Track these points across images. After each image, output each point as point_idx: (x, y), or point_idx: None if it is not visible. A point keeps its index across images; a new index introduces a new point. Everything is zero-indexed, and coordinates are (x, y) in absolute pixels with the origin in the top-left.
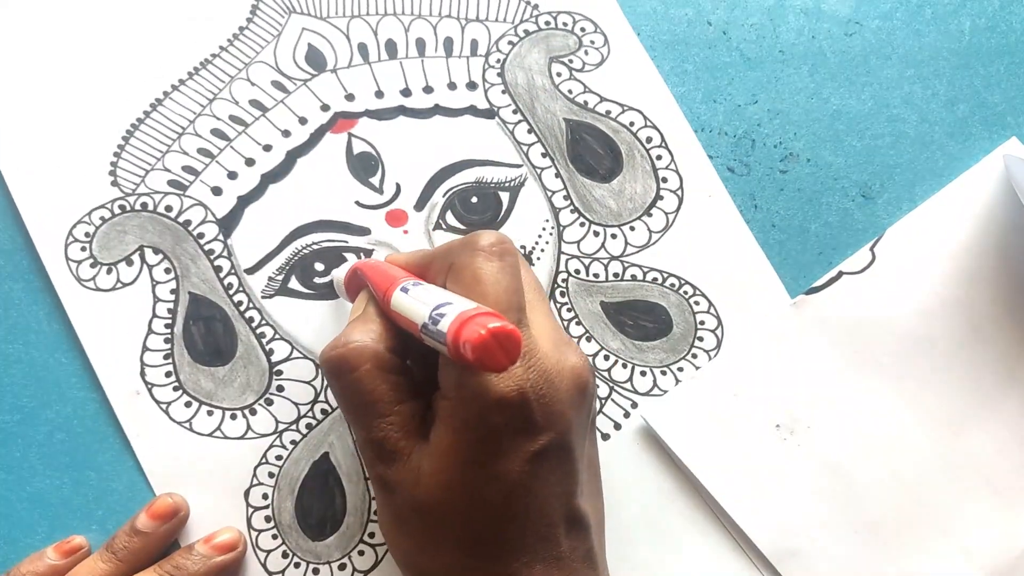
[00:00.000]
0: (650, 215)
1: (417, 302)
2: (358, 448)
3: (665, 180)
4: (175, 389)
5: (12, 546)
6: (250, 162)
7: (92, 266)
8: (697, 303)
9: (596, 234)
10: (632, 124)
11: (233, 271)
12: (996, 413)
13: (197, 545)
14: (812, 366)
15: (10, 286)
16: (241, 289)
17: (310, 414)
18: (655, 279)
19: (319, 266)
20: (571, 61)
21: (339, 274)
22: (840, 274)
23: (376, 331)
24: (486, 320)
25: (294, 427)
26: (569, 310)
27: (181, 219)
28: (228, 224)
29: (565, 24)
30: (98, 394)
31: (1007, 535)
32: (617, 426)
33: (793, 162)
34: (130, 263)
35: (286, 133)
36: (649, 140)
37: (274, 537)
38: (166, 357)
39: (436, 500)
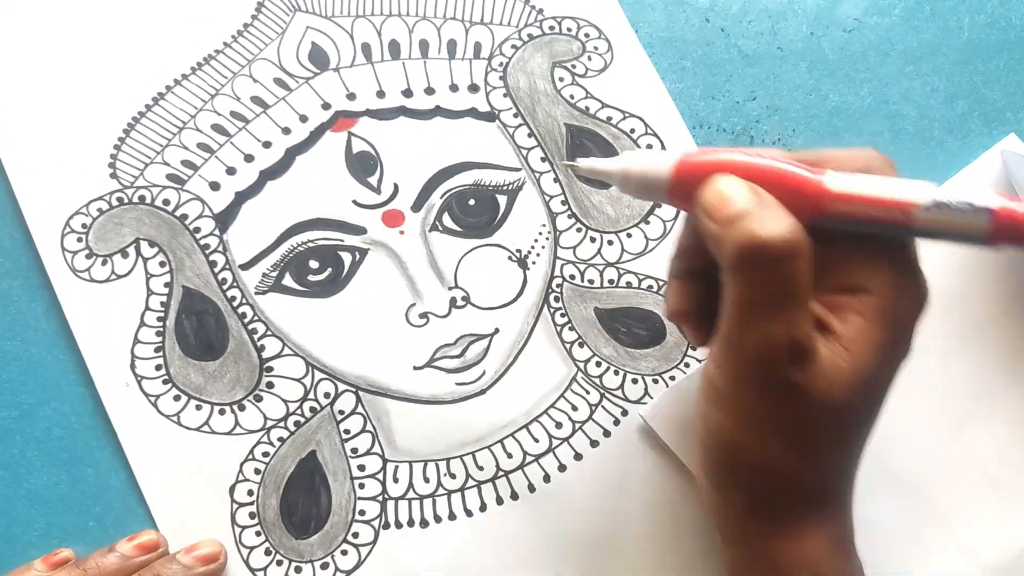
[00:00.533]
0: (647, 222)
1: (895, 184)
2: (755, 351)
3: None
4: (165, 382)
5: (10, 543)
6: (249, 158)
7: (87, 257)
8: None
9: (593, 240)
10: (633, 131)
11: (228, 266)
12: (996, 412)
13: (179, 555)
14: None
15: (8, 283)
16: (235, 284)
17: (299, 411)
18: (650, 287)
19: (313, 264)
20: (574, 66)
21: (638, 162)
22: None
23: (795, 223)
24: None
25: (282, 424)
26: (563, 315)
27: (178, 213)
28: (225, 219)
29: (569, 29)
30: (96, 391)
31: (1007, 533)
32: (607, 433)
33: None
34: (125, 255)
35: (286, 130)
36: (649, 148)
37: (257, 534)
38: (157, 350)
39: (850, 400)
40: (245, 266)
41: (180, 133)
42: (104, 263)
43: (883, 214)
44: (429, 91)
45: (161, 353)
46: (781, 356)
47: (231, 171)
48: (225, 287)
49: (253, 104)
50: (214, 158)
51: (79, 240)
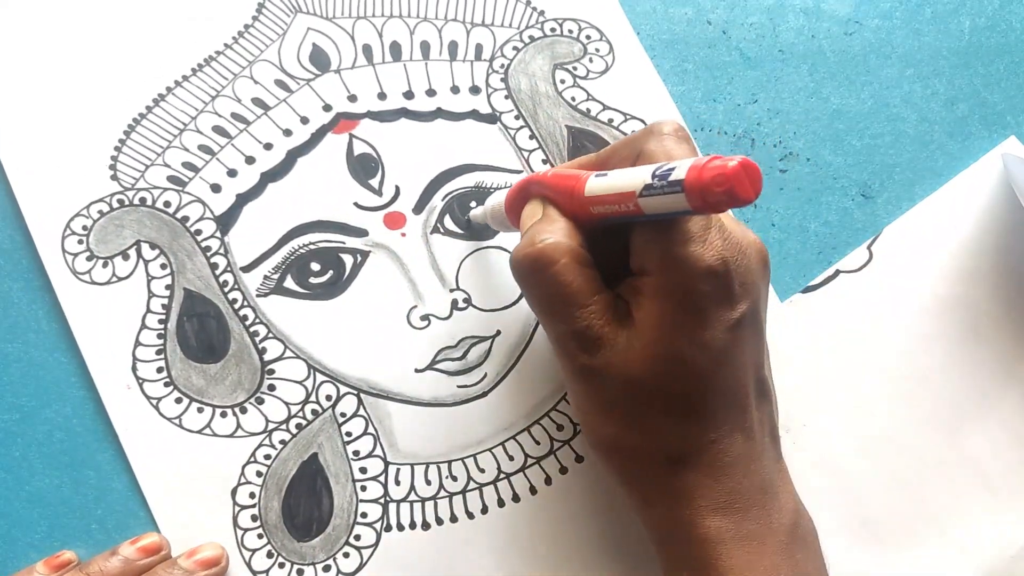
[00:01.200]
0: None
1: (624, 173)
2: (556, 344)
3: None
4: (166, 385)
5: (12, 545)
6: (250, 160)
7: (88, 259)
8: None
9: None
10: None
11: (229, 268)
12: (993, 412)
13: (180, 559)
14: (808, 364)
15: (9, 285)
16: (236, 287)
17: (300, 414)
18: None
19: (315, 266)
20: (575, 68)
21: (495, 199)
22: (837, 272)
23: (564, 229)
24: (726, 160)
25: (284, 427)
26: None
27: (179, 215)
28: (226, 221)
29: (570, 31)
30: (97, 393)
31: (1003, 533)
32: None
33: (793, 161)
34: (126, 257)
35: (287, 132)
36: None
37: (259, 536)
38: (158, 353)
39: (649, 374)
40: (246, 268)
41: (181, 135)
42: (105, 265)
43: (622, 208)
44: (430, 93)
45: (162, 356)
46: (572, 347)
47: (232, 173)
48: (226, 289)
49: (254, 106)
50: (215, 160)
51: (80, 242)
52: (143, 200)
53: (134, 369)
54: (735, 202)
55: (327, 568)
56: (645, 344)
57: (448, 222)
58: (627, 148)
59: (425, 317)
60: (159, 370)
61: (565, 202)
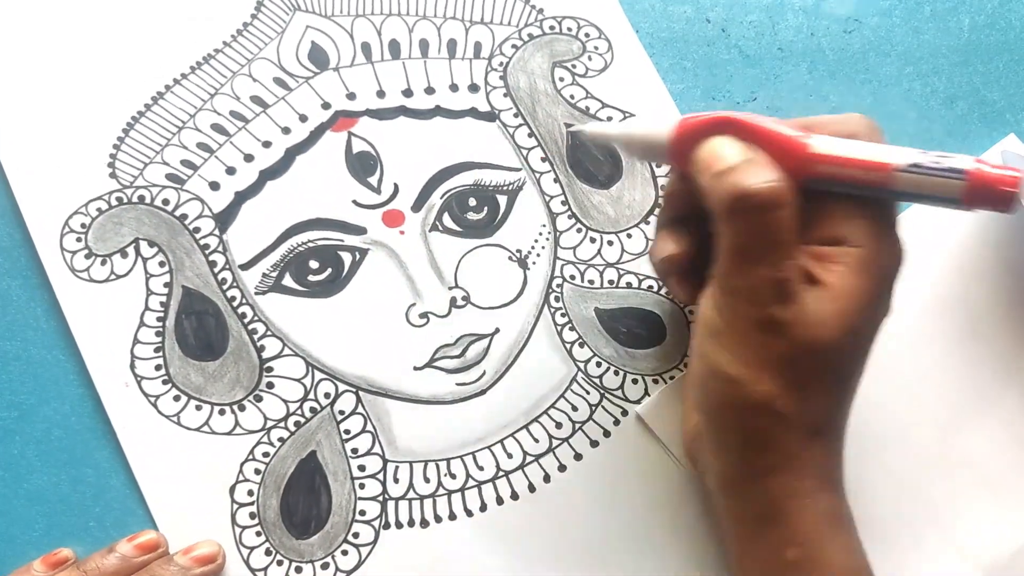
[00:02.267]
0: (648, 223)
1: (878, 147)
2: (745, 290)
3: (664, 188)
4: (164, 382)
5: (10, 543)
6: (249, 158)
7: (87, 257)
8: (691, 312)
9: (593, 240)
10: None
11: (227, 266)
12: (992, 411)
13: (177, 556)
14: None
15: (8, 283)
16: (235, 285)
17: (299, 412)
18: (650, 287)
19: (313, 264)
20: (574, 66)
21: (636, 127)
22: None
23: (780, 177)
24: (1010, 168)
25: (282, 424)
26: (563, 315)
27: (178, 213)
28: (224, 219)
29: (569, 29)
30: (95, 391)
31: (1003, 532)
32: (607, 433)
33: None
34: (125, 255)
35: (286, 130)
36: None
37: (258, 534)
38: (157, 350)
39: (834, 340)
40: (245, 266)
41: (180, 133)
42: (103, 263)
43: (863, 175)
44: (429, 91)
45: (161, 353)
46: (767, 295)
47: (231, 171)
48: (225, 287)
49: (253, 103)
50: (214, 158)
51: (78, 240)
52: (141, 198)
53: (132, 367)
54: (1004, 205)
55: (325, 566)
56: (840, 311)
57: (447, 220)
58: (837, 125)
59: (424, 315)
60: (157, 368)
61: (776, 153)
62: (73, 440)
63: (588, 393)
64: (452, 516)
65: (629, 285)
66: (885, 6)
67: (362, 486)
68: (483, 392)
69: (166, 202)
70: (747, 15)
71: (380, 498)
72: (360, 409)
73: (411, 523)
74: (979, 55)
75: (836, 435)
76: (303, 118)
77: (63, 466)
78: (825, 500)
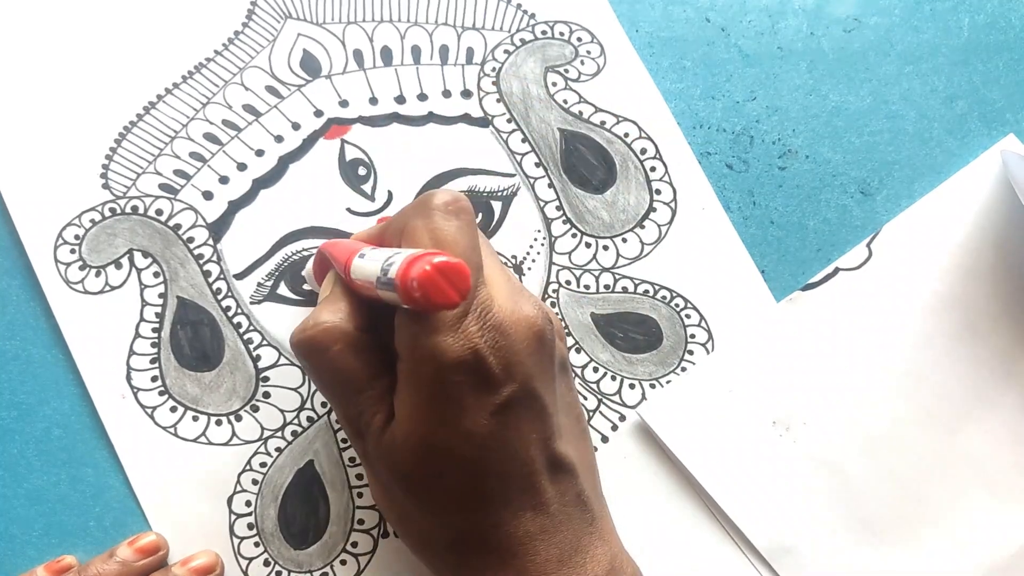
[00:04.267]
0: (643, 227)
1: (371, 261)
2: (341, 424)
3: (659, 192)
4: (161, 394)
5: (9, 543)
6: (242, 167)
7: (81, 268)
8: (688, 316)
9: (588, 245)
10: (627, 135)
11: (222, 276)
12: (993, 410)
13: (175, 568)
14: (808, 362)
15: (7, 283)
16: (230, 294)
17: (296, 421)
18: (646, 291)
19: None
20: (567, 71)
21: (309, 264)
22: (837, 270)
23: (344, 309)
24: (431, 257)
25: (279, 434)
26: (559, 321)
27: (171, 223)
28: (218, 229)
29: (562, 34)
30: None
31: (1003, 532)
32: (604, 439)
33: (792, 159)
34: (119, 266)
35: (279, 138)
36: (643, 151)
37: (256, 545)
38: (152, 361)
39: (412, 464)
40: (240, 276)
41: (172, 142)
42: (98, 274)
43: (372, 293)
44: (422, 97)
45: (157, 364)
46: (349, 431)
47: (224, 180)
48: (220, 297)
49: (245, 112)
50: (207, 167)
51: (72, 252)
52: (135, 208)
53: (128, 379)
54: (435, 306)
55: (324, 575)
56: (405, 434)
57: None
58: (398, 220)
59: None
60: (153, 379)
61: (344, 276)
62: (72, 440)
63: (585, 398)
64: None
65: (625, 290)
66: (885, 5)
67: (360, 495)
68: None
69: (159, 212)
70: (747, 14)
71: (378, 507)
72: None
73: None
74: (979, 54)
75: (496, 543)
76: (296, 126)
77: (62, 465)
78: None
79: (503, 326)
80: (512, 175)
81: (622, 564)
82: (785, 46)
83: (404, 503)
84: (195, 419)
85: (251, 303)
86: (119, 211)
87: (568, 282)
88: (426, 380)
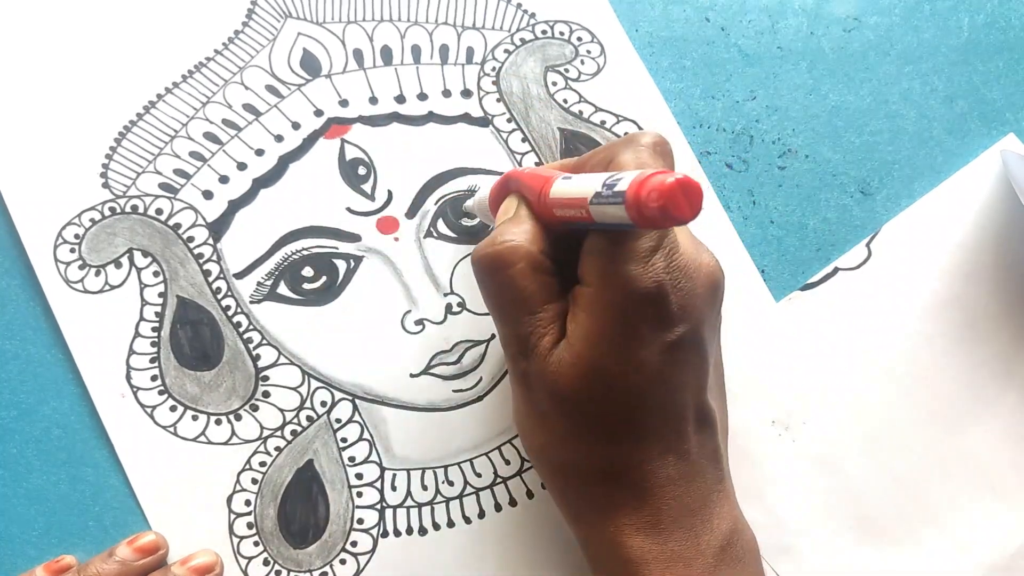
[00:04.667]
0: None
1: (585, 179)
2: (502, 345)
3: None
4: (160, 393)
5: (9, 542)
6: (242, 166)
7: (80, 268)
8: None
9: None
10: (626, 135)
11: (222, 275)
12: (993, 410)
13: (174, 567)
14: (808, 362)
15: (7, 282)
16: (229, 293)
17: (295, 420)
18: None
19: (308, 272)
20: (567, 71)
21: (483, 192)
22: (836, 270)
23: (530, 231)
24: (667, 175)
25: (279, 433)
26: None
27: (171, 222)
28: (218, 228)
29: (562, 33)
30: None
31: (1003, 532)
32: None
33: (791, 158)
34: (119, 265)
35: (279, 138)
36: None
37: (255, 544)
38: (152, 361)
39: (577, 388)
40: (239, 275)
41: (172, 141)
42: (98, 274)
43: (575, 213)
44: (422, 97)
45: (156, 364)
46: (512, 350)
47: (224, 179)
48: (220, 296)
49: (245, 111)
50: (206, 166)
51: (72, 251)
52: (135, 208)
53: (128, 377)
54: (669, 220)
55: (324, 575)
56: (575, 356)
57: (441, 226)
58: (605, 152)
59: (419, 322)
60: (153, 378)
61: (535, 202)
62: (72, 439)
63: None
64: (451, 523)
65: None
66: (885, 5)
67: (360, 494)
68: (480, 398)
69: (159, 212)
70: (746, 14)
71: (378, 506)
72: (357, 417)
73: (409, 531)
74: (979, 54)
75: (636, 480)
76: (296, 125)
77: (62, 465)
78: (628, 546)
79: (687, 268)
80: None
81: (743, 527)
82: (785, 46)
83: (555, 429)
84: (195, 418)
85: (251, 302)
86: (119, 210)
87: None
88: (610, 306)
